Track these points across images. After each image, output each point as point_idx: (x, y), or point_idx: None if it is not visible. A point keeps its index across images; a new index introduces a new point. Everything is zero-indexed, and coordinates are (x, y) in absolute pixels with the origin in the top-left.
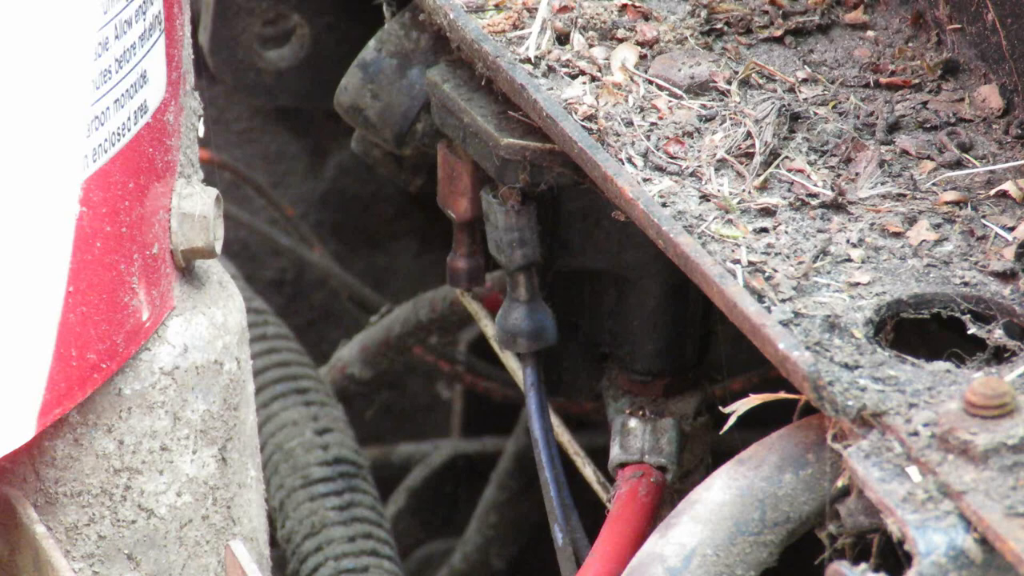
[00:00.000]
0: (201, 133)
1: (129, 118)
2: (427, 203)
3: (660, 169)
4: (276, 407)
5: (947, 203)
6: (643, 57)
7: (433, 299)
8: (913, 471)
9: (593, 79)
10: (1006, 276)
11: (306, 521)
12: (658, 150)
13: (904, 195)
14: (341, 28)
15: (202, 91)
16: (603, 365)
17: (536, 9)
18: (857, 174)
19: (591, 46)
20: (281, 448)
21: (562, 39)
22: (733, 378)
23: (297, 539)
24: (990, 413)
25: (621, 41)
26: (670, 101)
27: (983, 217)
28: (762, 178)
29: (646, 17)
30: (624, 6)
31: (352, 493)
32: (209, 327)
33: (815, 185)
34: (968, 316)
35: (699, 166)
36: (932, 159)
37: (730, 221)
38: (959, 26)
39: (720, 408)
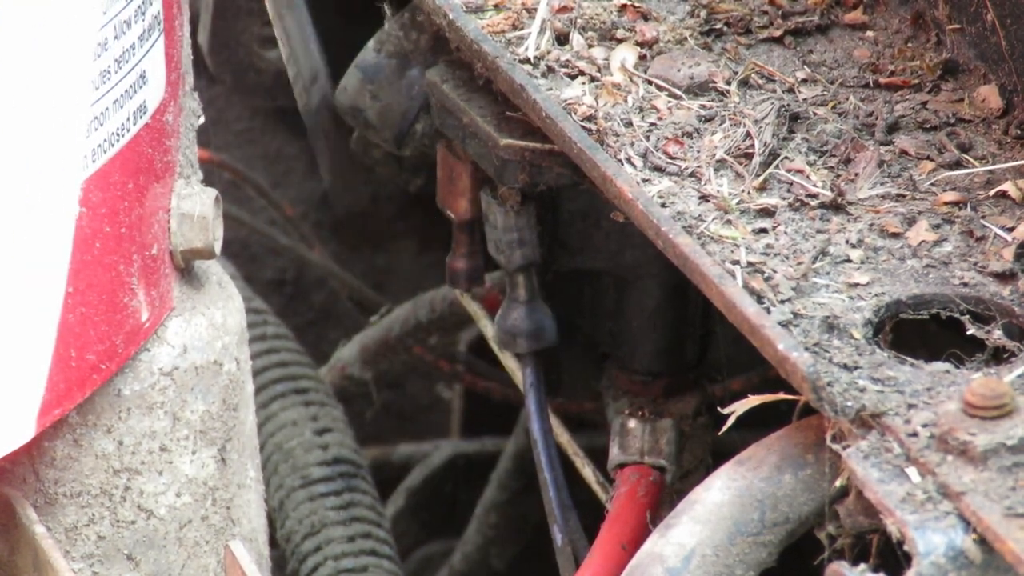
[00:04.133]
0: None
1: (128, 118)
2: (427, 203)
3: (659, 169)
4: (275, 407)
5: (946, 203)
6: (642, 57)
7: (433, 299)
8: (912, 472)
9: (592, 79)
10: (1005, 277)
11: (305, 521)
12: (657, 150)
13: (903, 195)
14: (341, 28)
15: (201, 91)
16: (602, 365)
17: (535, 9)
18: (856, 174)
19: (590, 46)
20: (280, 448)
21: (561, 39)
22: (732, 378)
23: (296, 539)
24: (989, 414)
25: (620, 41)
26: (669, 101)
27: (982, 218)
28: (761, 178)
29: (645, 17)
30: (623, 6)
31: (351, 493)
32: (208, 328)
33: (814, 185)
34: (967, 317)
35: (698, 166)
36: (931, 159)
37: (729, 222)
38: (959, 26)
39: (719, 409)
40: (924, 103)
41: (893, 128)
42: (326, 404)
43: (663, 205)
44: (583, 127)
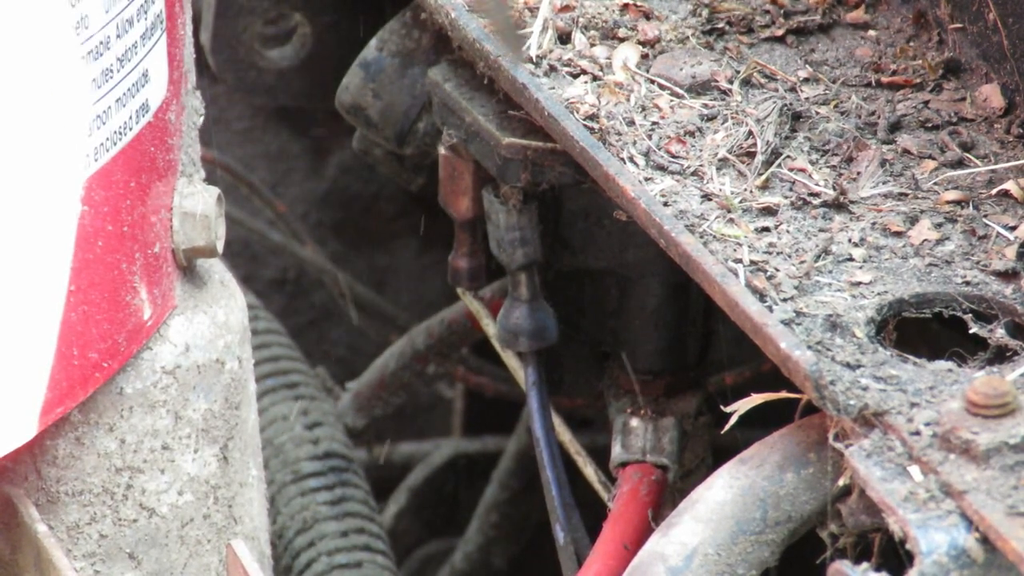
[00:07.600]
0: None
1: (131, 117)
2: (428, 202)
3: (662, 168)
4: (266, 402)
5: (949, 202)
6: (645, 56)
7: (430, 326)
8: (915, 470)
9: (595, 78)
10: (1007, 275)
11: (297, 516)
12: (660, 149)
13: (906, 194)
14: (342, 27)
15: (204, 90)
16: (604, 364)
17: (538, 8)
18: (859, 173)
19: (593, 45)
20: (271, 443)
21: (564, 38)
22: (725, 373)
23: (289, 535)
24: (992, 412)
25: (623, 40)
26: (672, 100)
27: (985, 216)
28: (764, 177)
29: (647, 16)
30: (626, 5)
31: (343, 487)
32: (211, 326)
33: (817, 184)
34: (970, 315)
35: (701, 165)
36: (934, 158)
37: (732, 220)
38: (960, 25)
39: (722, 407)
40: (926, 102)
41: (895, 127)
42: (316, 398)
43: (665, 204)
44: (585, 126)
